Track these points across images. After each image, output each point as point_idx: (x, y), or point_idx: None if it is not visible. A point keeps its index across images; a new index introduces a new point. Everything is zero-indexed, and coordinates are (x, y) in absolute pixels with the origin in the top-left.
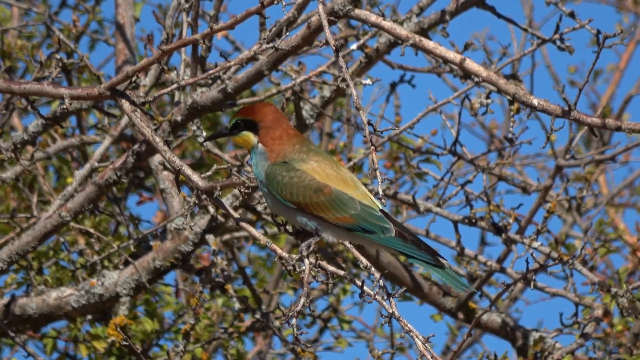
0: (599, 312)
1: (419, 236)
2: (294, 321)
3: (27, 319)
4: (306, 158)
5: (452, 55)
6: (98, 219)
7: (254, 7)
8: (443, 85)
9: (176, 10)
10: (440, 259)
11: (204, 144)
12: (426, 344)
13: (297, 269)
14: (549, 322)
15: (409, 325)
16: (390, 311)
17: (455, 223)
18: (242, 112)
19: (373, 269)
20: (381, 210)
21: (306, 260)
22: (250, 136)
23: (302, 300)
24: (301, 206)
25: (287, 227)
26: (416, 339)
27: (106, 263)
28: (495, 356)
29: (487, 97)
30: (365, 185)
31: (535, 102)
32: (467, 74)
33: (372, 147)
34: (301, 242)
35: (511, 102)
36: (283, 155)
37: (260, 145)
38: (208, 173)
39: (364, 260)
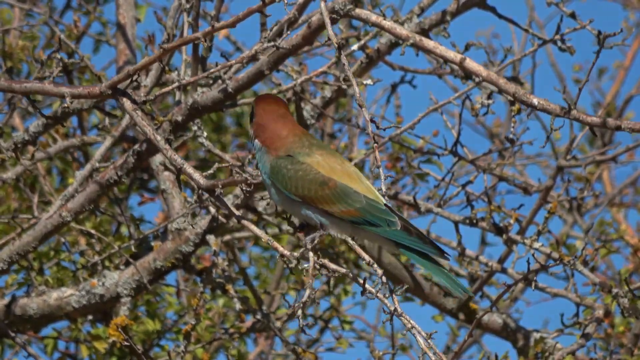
0: (600, 313)
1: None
2: (300, 312)
3: (28, 320)
4: (310, 152)
5: (452, 54)
6: (99, 220)
7: (255, 5)
8: (444, 86)
9: (177, 10)
10: (445, 254)
11: (206, 144)
12: (429, 340)
13: (299, 267)
14: (551, 323)
15: (411, 321)
16: (392, 308)
17: (456, 223)
18: (255, 100)
19: (376, 265)
20: (385, 205)
21: (310, 254)
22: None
23: (308, 292)
24: (306, 199)
25: (292, 220)
26: (418, 336)
27: (107, 263)
28: (496, 357)
29: (488, 98)
30: None
31: (535, 101)
32: (467, 74)
33: (375, 145)
34: (305, 235)
35: (512, 103)
36: (286, 148)
37: (256, 140)
38: (210, 171)
39: (367, 257)
